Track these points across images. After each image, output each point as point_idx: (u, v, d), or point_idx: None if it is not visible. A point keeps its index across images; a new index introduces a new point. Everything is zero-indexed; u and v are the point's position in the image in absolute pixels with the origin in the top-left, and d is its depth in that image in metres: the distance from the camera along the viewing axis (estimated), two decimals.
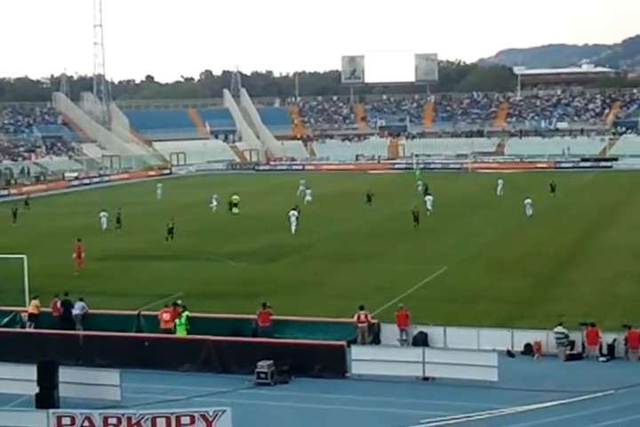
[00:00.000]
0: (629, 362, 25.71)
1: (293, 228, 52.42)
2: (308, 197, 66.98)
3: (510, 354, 26.25)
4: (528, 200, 58.35)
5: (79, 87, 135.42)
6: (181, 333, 27.21)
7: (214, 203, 63.98)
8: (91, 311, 29.51)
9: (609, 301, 33.30)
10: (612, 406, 21.78)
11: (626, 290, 35.30)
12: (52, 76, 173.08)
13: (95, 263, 42.86)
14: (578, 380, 24.05)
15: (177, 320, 27.39)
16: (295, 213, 53.03)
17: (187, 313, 27.76)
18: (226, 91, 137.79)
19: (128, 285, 37.84)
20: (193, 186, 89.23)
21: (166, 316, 27.77)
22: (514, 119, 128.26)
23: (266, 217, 59.51)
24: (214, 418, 19.56)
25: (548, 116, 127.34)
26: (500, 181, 72.40)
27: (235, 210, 62.17)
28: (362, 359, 24.83)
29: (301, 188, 72.86)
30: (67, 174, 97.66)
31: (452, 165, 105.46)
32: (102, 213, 56.38)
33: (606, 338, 26.05)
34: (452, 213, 60.79)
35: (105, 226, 55.75)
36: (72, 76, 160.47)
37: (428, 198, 60.85)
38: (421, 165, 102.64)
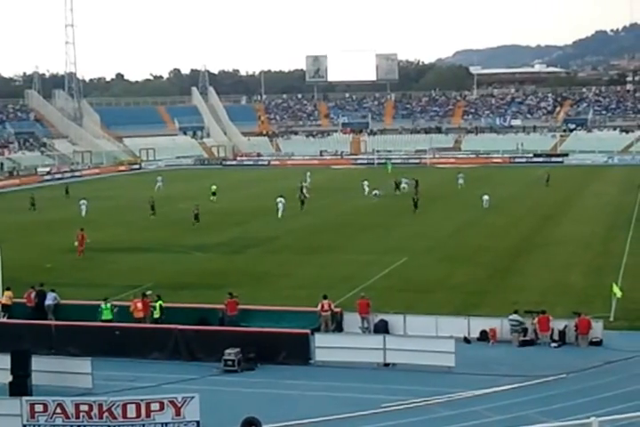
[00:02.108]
0: (580, 347, 26.42)
1: (280, 213, 55.49)
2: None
3: (467, 340, 26.91)
4: (485, 197, 59.64)
5: (51, 85, 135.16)
6: (107, 317, 27.91)
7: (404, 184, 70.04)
8: (63, 302, 29.81)
9: (560, 289, 34.03)
10: (564, 390, 22.41)
11: (576, 279, 36.17)
12: (25, 73, 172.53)
13: (67, 255, 43.32)
14: (531, 365, 24.72)
15: (103, 305, 28.06)
16: (282, 199, 56.56)
17: (160, 302, 28.32)
18: (194, 89, 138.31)
19: (99, 276, 38.18)
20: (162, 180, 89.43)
21: (139, 305, 28.21)
22: (470, 117, 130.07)
23: (232, 211, 60.09)
24: (183, 404, 19.90)
25: (503, 113, 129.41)
26: (460, 175, 73.95)
27: (213, 198, 65.13)
28: (325, 347, 25.28)
29: (308, 179, 76.32)
30: (39, 169, 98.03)
31: (411, 160, 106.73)
32: (82, 202, 58.29)
33: (557, 325, 26.82)
34: (412, 205, 61.84)
35: (84, 214, 57.23)
36: (44, 74, 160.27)
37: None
38: (383, 160, 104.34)
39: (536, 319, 26.99)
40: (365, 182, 70.36)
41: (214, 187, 67.67)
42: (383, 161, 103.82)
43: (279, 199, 57.16)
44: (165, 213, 59.89)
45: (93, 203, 62.35)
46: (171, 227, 53.43)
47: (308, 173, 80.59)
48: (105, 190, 79.21)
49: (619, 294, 28.93)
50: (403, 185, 70.80)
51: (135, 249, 45.42)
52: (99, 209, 59.94)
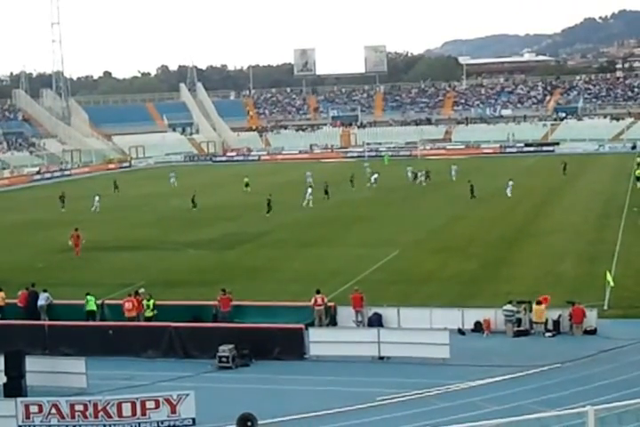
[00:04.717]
0: (574, 336, 26.52)
1: (304, 203, 57.78)
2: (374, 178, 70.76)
3: (461, 332, 26.99)
4: (510, 182, 59.86)
5: (38, 84, 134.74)
6: (91, 307, 28.54)
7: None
8: (55, 302, 29.71)
9: (553, 279, 34.12)
10: (559, 379, 22.49)
11: (569, 268, 36.22)
12: (12, 73, 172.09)
13: (59, 255, 43.19)
14: (525, 355, 24.81)
15: (88, 296, 28.76)
16: (310, 189, 58.92)
17: (152, 301, 28.29)
18: (182, 85, 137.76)
19: (92, 275, 38.01)
20: (152, 178, 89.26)
21: (128, 305, 28.26)
22: (460, 107, 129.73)
23: (222, 206, 60.03)
24: (178, 402, 20.01)
25: (493, 103, 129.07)
26: (453, 167, 73.83)
27: (247, 189, 68.90)
28: (319, 341, 25.33)
29: (368, 170, 76.58)
30: (28, 169, 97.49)
31: (402, 153, 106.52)
32: (96, 198, 60.10)
33: (551, 314, 26.86)
34: (404, 197, 61.90)
35: (98, 209, 59.16)
36: (31, 74, 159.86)
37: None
38: (373, 153, 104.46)
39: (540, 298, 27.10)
40: (409, 168, 73.48)
41: (247, 179, 70.23)
42: (374, 154, 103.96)
43: (309, 189, 58.96)
44: (156, 210, 59.88)
45: (84, 202, 62.20)
46: (162, 224, 53.34)
47: (367, 164, 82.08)
48: (95, 189, 78.76)
49: (612, 282, 28.97)
50: (421, 178, 70.48)
51: (127, 247, 45.31)
52: (89, 208, 59.87)
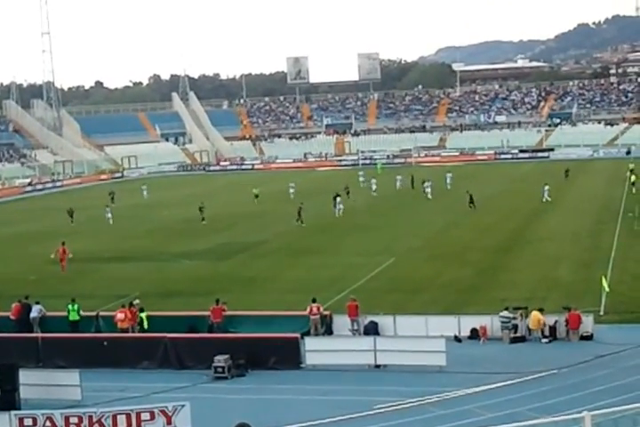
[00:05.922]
0: (570, 342, 26.43)
1: (336, 212, 57.63)
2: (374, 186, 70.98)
3: (457, 339, 26.91)
4: (546, 187, 59.78)
5: (29, 95, 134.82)
6: (74, 318, 28.56)
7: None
8: (49, 314, 29.53)
9: (549, 285, 34.07)
10: (556, 385, 22.39)
11: (565, 274, 36.21)
12: (2, 84, 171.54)
13: (51, 267, 42.88)
14: (522, 361, 24.71)
15: (69, 306, 28.68)
16: (339, 198, 58.92)
17: (144, 314, 28.12)
18: (174, 94, 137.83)
19: (85, 286, 37.66)
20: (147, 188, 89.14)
21: (120, 315, 28.04)
22: (454, 114, 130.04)
23: (217, 216, 59.85)
24: (174, 413, 19.73)
25: (487, 110, 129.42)
26: (448, 175, 73.73)
27: (256, 201, 67.22)
28: (315, 350, 25.22)
29: (362, 179, 76.70)
30: (19, 181, 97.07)
31: (396, 160, 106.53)
32: (107, 209, 59.87)
33: (548, 320, 26.77)
34: (399, 205, 61.81)
35: (111, 221, 58.39)
36: (22, 84, 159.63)
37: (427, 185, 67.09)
38: (367, 161, 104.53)
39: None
40: (399, 177, 73.72)
41: (255, 190, 68.99)
42: (369, 162, 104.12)
43: (338, 199, 58.65)
44: (150, 220, 59.74)
45: (78, 213, 61.95)
46: (157, 234, 53.22)
47: (361, 172, 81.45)
48: (87, 200, 78.58)
49: (607, 288, 28.93)
50: (427, 189, 68.97)
51: (121, 258, 45.12)
52: (82, 219, 59.68)
